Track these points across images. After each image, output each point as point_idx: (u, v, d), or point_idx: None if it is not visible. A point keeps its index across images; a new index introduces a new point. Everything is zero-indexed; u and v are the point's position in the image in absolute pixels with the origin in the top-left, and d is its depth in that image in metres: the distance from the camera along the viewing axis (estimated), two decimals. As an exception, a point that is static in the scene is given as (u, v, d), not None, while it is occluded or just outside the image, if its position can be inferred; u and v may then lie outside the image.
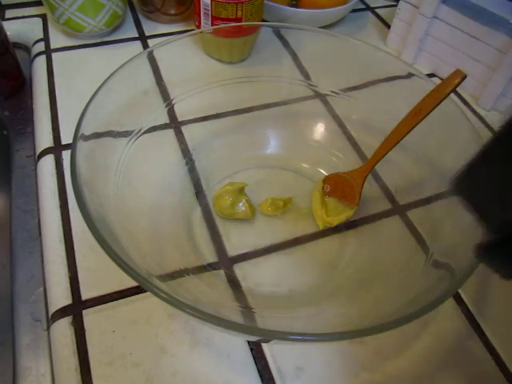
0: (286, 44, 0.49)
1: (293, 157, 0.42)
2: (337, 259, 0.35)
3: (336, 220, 0.37)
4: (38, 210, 0.38)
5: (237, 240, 0.36)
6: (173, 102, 0.40)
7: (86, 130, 0.29)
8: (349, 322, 0.28)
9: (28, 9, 0.57)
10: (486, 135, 0.47)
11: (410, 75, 0.36)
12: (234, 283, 0.33)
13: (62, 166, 0.40)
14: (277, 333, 0.21)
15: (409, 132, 0.34)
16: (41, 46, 0.52)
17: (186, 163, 0.40)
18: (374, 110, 0.40)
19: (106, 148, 0.32)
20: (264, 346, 0.31)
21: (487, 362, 0.31)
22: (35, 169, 0.41)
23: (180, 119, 0.42)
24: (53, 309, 0.32)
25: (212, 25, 0.48)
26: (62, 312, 0.31)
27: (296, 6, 0.58)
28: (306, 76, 0.45)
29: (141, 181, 0.35)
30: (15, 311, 0.35)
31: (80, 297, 0.32)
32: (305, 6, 0.56)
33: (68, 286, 0.32)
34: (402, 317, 0.22)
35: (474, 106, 0.51)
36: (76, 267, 0.33)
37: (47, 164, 0.40)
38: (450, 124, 0.34)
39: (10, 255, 0.38)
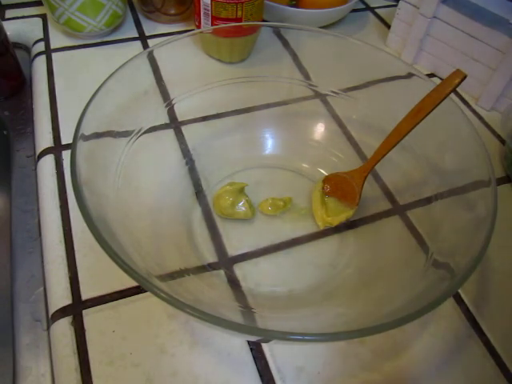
0: (285, 44, 0.49)
1: (293, 157, 0.42)
2: (337, 259, 0.35)
3: (336, 220, 0.37)
4: (38, 209, 0.38)
5: (237, 240, 0.36)
6: (173, 102, 0.40)
7: (86, 130, 0.29)
8: (349, 321, 0.28)
9: (28, 9, 0.57)
10: (486, 135, 0.48)
11: (409, 75, 0.36)
12: (233, 283, 0.33)
13: (62, 166, 0.40)
14: (277, 333, 0.21)
15: (409, 132, 0.34)
16: (41, 46, 0.52)
17: (186, 163, 0.40)
18: (374, 109, 0.40)
19: (105, 148, 0.32)
20: (264, 345, 0.31)
21: (487, 362, 0.31)
22: (35, 169, 0.41)
23: (180, 119, 0.42)
24: (53, 309, 0.32)
25: (212, 25, 0.48)
26: (62, 312, 0.31)
27: (296, 6, 0.58)
28: (306, 76, 0.45)
29: (141, 181, 0.35)
30: (15, 311, 0.35)
31: (80, 297, 0.32)
32: (305, 5, 0.56)
33: (68, 285, 0.32)
34: (402, 317, 0.22)
35: (474, 106, 0.51)
36: (76, 267, 0.33)
37: (47, 164, 0.40)
38: (450, 124, 0.34)
39: (10, 255, 0.38)
